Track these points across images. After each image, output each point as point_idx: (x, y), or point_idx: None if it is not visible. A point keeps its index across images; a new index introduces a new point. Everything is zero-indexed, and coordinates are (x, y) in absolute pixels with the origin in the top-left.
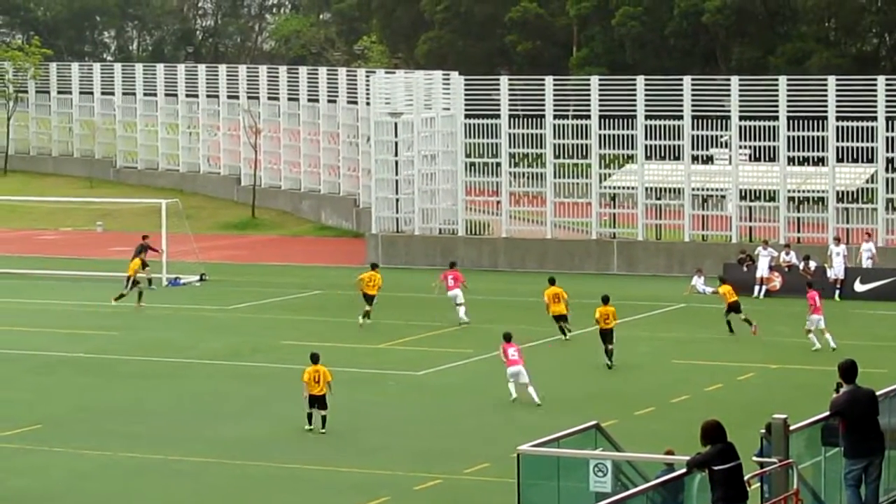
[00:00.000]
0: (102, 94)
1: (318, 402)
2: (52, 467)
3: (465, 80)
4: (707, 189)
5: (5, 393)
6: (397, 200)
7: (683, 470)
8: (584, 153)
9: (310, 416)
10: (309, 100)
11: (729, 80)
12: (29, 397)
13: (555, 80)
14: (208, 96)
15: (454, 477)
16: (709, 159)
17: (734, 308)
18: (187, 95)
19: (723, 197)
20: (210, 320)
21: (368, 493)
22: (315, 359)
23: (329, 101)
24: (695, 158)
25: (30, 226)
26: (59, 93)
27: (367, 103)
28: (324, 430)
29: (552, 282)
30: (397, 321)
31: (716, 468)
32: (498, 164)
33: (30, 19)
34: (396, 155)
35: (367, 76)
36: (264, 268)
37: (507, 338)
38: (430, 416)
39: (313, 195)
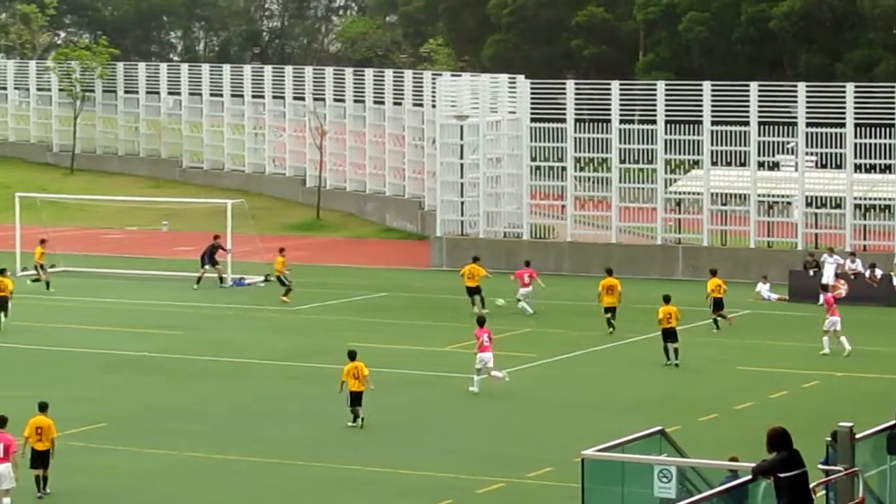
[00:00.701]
0: (169, 93)
1: (357, 399)
2: (117, 466)
3: (531, 83)
4: (773, 195)
5: (71, 391)
6: (462, 203)
7: (748, 477)
8: (650, 158)
9: (354, 414)
10: (375, 102)
11: (796, 86)
12: (94, 396)
13: (621, 84)
14: (274, 97)
15: (517, 481)
16: (775, 165)
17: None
18: (253, 96)
19: (788, 203)
20: (274, 321)
21: (431, 496)
22: (353, 356)
23: (395, 104)
24: (761, 164)
25: (96, 225)
26: (125, 92)
27: (433, 106)
28: (356, 425)
29: (609, 272)
30: (462, 324)
31: (781, 476)
32: (563, 169)
33: (97, 19)
34: (462, 158)
35: (433, 79)
36: (328, 269)
37: (481, 323)
38: (494, 419)
39: (378, 197)
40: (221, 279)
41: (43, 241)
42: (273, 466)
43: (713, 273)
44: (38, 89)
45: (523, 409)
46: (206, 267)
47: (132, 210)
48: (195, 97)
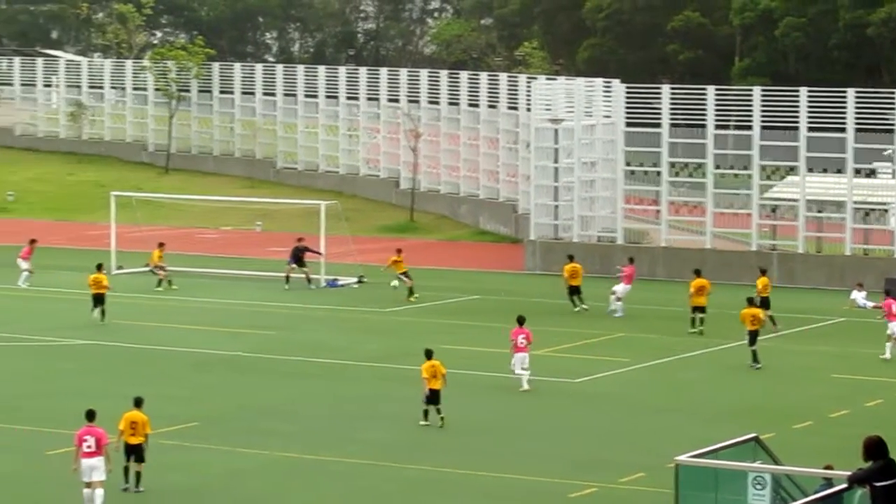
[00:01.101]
0: (264, 94)
1: (436, 397)
2: (209, 464)
3: (627, 87)
4: (869, 203)
5: (164, 390)
6: (556, 207)
7: (844, 485)
8: (745, 164)
9: (426, 413)
10: (469, 104)
11: (893, 93)
12: (187, 394)
13: (716, 89)
14: (369, 99)
15: (609, 486)
16: (871, 173)
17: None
18: (348, 98)
19: (885, 211)
20: (366, 322)
21: (524, 500)
22: (429, 354)
23: (489, 107)
24: (857, 171)
25: (190, 224)
26: (221, 92)
27: (528, 109)
28: (429, 423)
29: (698, 273)
30: (554, 328)
31: (877, 484)
32: (658, 174)
33: (193, 19)
34: (556, 162)
35: (528, 82)
36: (421, 271)
37: (521, 322)
38: (586, 423)
39: (472, 200)
40: (308, 280)
41: (161, 245)
42: (366, 468)
43: (763, 272)
44: (135, 89)
45: (616, 413)
46: (293, 266)
47: (226, 210)
48: (290, 98)
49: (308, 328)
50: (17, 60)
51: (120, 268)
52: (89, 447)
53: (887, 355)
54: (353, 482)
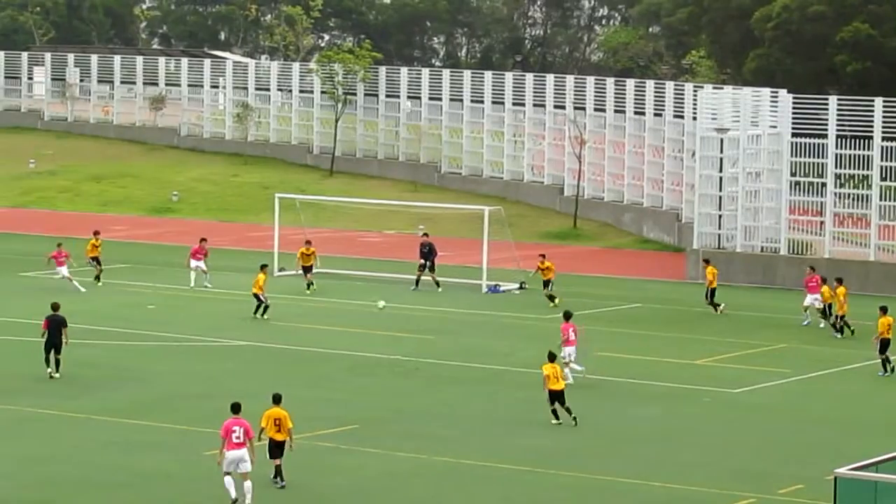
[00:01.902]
0: (430, 99)
1: (559, 396)
2: (367, 467)
3: (793, 98)
4: None
5: (324, 392)
6: (720, 217)
7: None
8: None
9: (555, 412)
10: (635, 112)
11: None
12: (346, 397)
13: (885, 101)
14: (534, 105)
15: (767, 497)
16: None
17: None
18: (514, 103)
19: None
20: (527, 328)
21: None
22: (552, 357)
23: (655, 115)
24: None
25: (353, 227)
26: (387, 96)
27: (694, 118)
28: (559, 422)
29: (884, 310)
30: (714, 337)
31: None
32: (823, 185)
33: (361, 23)
34: (721, 171)
35: (695, 91)
36: (583, 279)
37: (567, 317)
38: (745, 434)
39: (635, 208)
40: (437, 283)
41: (308, 242)
42: (523, 474)
43: (883, 311)
44: (301, 91)
45: (775, 424)
46: (425, 265)
47: (389, 214)
48: (456, 103)
49: (468, 333)
50: (184, 61)
51: (282, 269)
52: (237, 438)
53: None
54: (509, 488)
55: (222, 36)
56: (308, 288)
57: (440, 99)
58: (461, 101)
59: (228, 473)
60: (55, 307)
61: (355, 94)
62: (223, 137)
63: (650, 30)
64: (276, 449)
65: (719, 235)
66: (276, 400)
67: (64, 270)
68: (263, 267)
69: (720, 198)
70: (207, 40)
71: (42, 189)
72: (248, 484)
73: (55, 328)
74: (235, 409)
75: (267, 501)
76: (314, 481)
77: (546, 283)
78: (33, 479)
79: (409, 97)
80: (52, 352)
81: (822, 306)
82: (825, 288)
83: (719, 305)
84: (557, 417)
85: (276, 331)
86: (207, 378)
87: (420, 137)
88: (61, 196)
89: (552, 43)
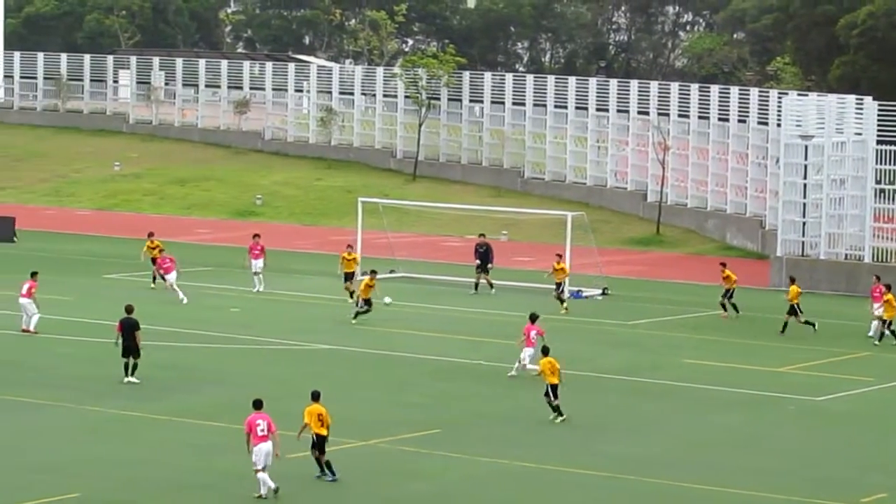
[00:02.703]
0: (513, 104)
1: (554, 390)
2: (448, 472)
3: (879, 105)
4: None
5: (405, 396)
6: (804, 224)
7: None
8: None
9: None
10: (719, 118)
11: None
12: (428, 402)
13: None
14: (618, 111)
15: None
16: None
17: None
18: (597, 109)
19: None
20: (610, 335)
21: None
22: (546, 351)
23: (739, 121)
24: None
25: (435, 232)
26: (470, 101)
27: (778, 125)
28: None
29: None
30: (797, 345)
31: None
32: None
33: (445, 27)
34: (805, 178)
35: (779, 97)
36: (666, 285)
37: (533, 318)
38: (829, 442)
39: (719, 214)
40: (491, 285)
41: (350, 247)
42: (604, 480)
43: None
44: (385, 96)
45: (858, 432)
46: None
47: (472, 219)
48: (539, 108)
49: (549, 339)
50: (269, 65)
51: (392, 271)
52: (262, 430)
53: None
54: (589, 494)
55: (307, 40)
56: (351, 297)
57: (524, 104)
58: (545, 106)
59: (262, 469)
60: (129, 309)
61: (439, 99)
62: (307, 141)
63: (735, 36)
64: (321, 443)
65: (803, 243)
66: (315, 397)
67: (171, 277)
68: (373, 273)
69: (804, 205)
70: (292, 44)
71: (127, 192)
72: (265, 478)
73: (128, 332)
74: (257, 405)
75: (323, 497)
76: (396, 485)
77: (558, 286)
78: (117, 480)
79: (492, 102)
80: (130, 357)
81: (880, 313)
82: (793, 286)
83: (729, 308)
84: (557, 412)
85: (357, 334)
86: (286, 381)
87: (503, 142)
88: (146, 199)
89: (636, 48)
